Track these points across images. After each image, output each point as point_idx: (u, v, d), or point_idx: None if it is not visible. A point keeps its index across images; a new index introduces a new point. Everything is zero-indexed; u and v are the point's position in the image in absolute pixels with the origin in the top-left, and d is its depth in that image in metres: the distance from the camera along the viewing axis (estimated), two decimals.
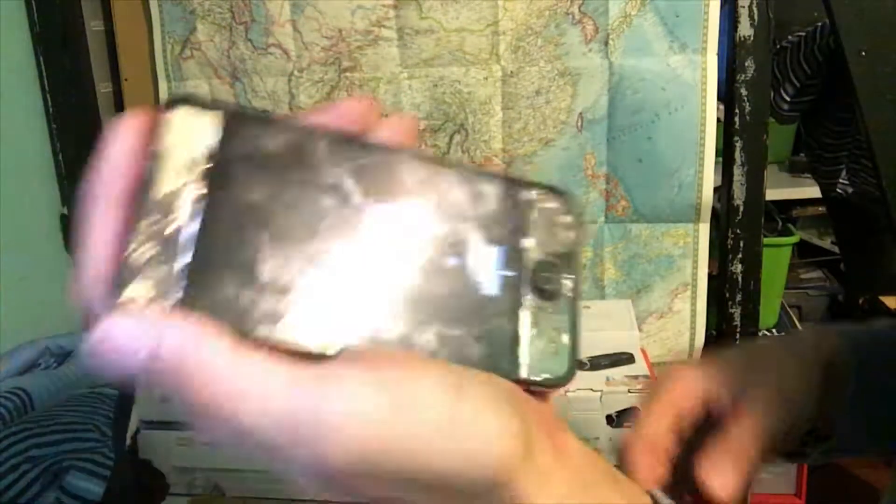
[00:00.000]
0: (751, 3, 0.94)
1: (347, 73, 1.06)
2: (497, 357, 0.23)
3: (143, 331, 0.20)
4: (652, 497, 0.28)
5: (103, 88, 1.15)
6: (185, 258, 0.20)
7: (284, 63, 1.07)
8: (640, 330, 1.11)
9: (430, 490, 0.21)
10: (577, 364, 0.24)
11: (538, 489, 0.22)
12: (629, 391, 0.76)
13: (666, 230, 1.06)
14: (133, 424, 0.83)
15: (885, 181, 1.05)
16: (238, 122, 0.22)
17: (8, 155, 1.02)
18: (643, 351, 0.84)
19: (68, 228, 1.12)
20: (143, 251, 0.20)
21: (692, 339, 1.14)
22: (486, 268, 0.23)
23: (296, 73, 1.07)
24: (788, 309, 1.51)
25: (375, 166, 0.23)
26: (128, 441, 0.81)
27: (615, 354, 0.82)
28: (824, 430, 0.45)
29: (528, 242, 0.24)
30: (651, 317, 1.12)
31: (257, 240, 0.21)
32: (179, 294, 0.20)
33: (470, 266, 0.23)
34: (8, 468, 0.73)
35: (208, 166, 0.21)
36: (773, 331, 1.41)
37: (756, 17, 0.95)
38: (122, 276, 0.20)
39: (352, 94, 1.07)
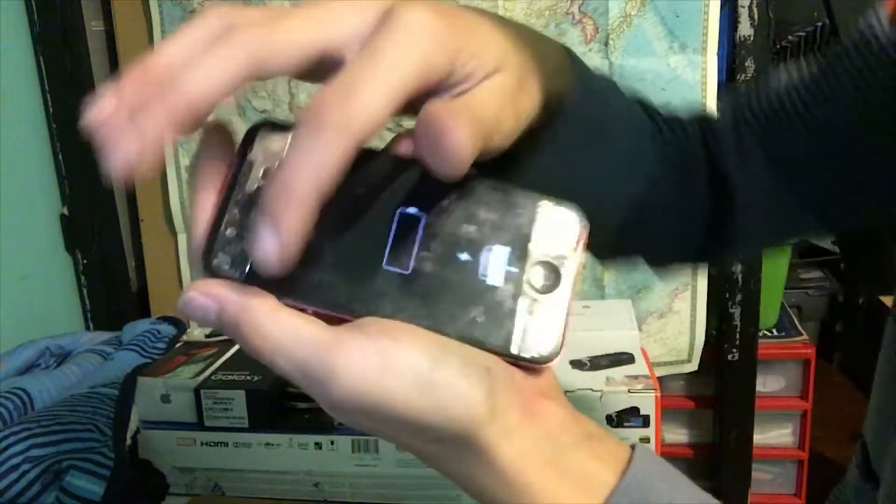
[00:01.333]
0: (751, 3, 0.94)
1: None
2: (494, 335, 0.28)
3: (214, 297, 0.28)
4: (630, 454, 0.29)
5: None
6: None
7: None
8: (640, 330, 1.11)
9: (410, 433, 0.27)
10: (561, 346, 0.29)
11: (500, 441, 0.27)
12: (629, 391, 0.76)
13: None
14: (133, 424, 0.83)
15: None
16: None
17: (8, 155, 1.02)
18: (643, 351, 0.84)
19: (68, 228, 1.12)
20: (227, 234, 0.28)
21: (692, 339, 1.14)
22: (496, 263, 0.29)
23: None
24: (788, 309, 1.51)
25: (410, 177, 0.29)
26: (128, 441, 0.81)
27: (615, 354, 0.82)
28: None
29: (535, 247, 0.29)
30: (651, 317, 1.12)
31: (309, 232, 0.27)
32: (247, 269, 0.28)
33: (482, 261, 0.29)
34: (8, 468, 0.73)
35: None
36: (773, 331, 1.41)
37: (756, 17, 0.95)
38: (210, 249, 0.28)
39: None
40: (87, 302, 1.14)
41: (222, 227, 0.28)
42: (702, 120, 0.50)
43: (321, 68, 0.26)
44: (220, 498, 0.82)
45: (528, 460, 0.28)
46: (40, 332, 1.01)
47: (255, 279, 0.27)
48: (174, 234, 1.17)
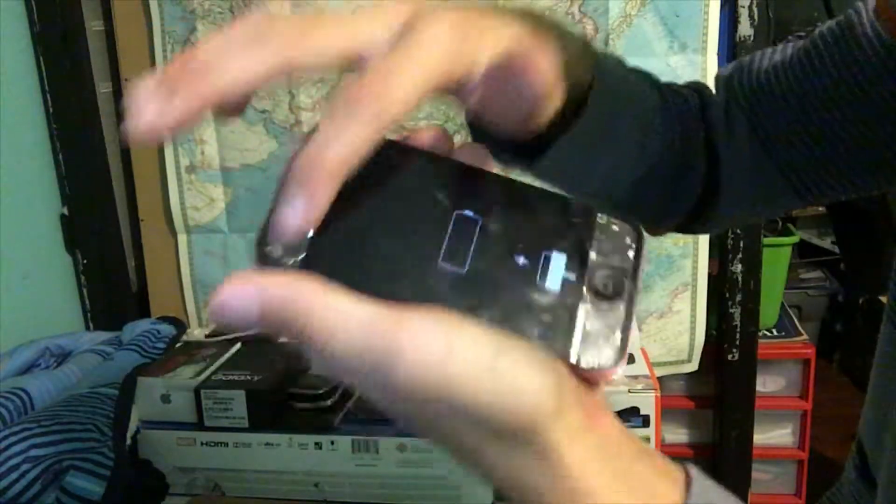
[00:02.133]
0: (751, 3, 0.94)
1: (347, 73, 1.06)
2: (553, 341, 0.27)
3: (255, 284, 0.26)
4: (685, 472, 0.29)
5: (103, 88, 1.15)
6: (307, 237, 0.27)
7: None
8: (640, 330, 1.11)
9: (471, 425, 0.26)
10: (622, 357, 0.28)
11: (567, 443, 0.26)
12: (629, 391, 0.76)
13: None
14: (133, 424, 0.83)
15: None
16: None
17: (8, 155, 1.02)
18: (643, 351, 0.84)
19: (68, 228, 1.12)
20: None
21: (692, 339, 1.14)
22: (554, 269, 0.29)
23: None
24: (788, 309, 1.51)
25: (467, 180, 0.30)
26: (128, 441, 0.81)
27: None
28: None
29: (594, 255, 0.29)
30: (651, 317, 1.12)
31: (357, 230, 0.28)
32: (300, 257, 0.27)
33: (540, 266, 0.29)
34: (8, 468, 0.73)
35: None
36: (773, 331, 1.41)
37: (756, 17, 0.95)
38: (264, 239, 0.27)
39: None
40: (87, 302, 1.14)
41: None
42: (699, 92, 0.53)
43: (346, 70, 0.29)
44: (220, 498, 0.82)
45: (595, 466, 0.27)
46: (40, 332, 1.01)
47: (309, 268, 0.27)
48: (174, 234, 1.17)
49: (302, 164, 0.26)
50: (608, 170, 0.46)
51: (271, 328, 0.26)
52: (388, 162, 0.29)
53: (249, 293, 0.26)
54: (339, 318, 0.25)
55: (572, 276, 0.29)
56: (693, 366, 1.16)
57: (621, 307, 0.29)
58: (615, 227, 0.30)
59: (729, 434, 1.19)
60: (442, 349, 0.25)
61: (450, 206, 0.29)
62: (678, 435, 1.31)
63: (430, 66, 0.27)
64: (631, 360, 0.82)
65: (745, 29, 0.96)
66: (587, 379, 0.28)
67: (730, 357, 1.13)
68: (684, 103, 0.52)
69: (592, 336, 0.28)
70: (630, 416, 0.76)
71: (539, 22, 0.33)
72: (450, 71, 0.28)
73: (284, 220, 0.26)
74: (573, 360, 0.28)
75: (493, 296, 0.28)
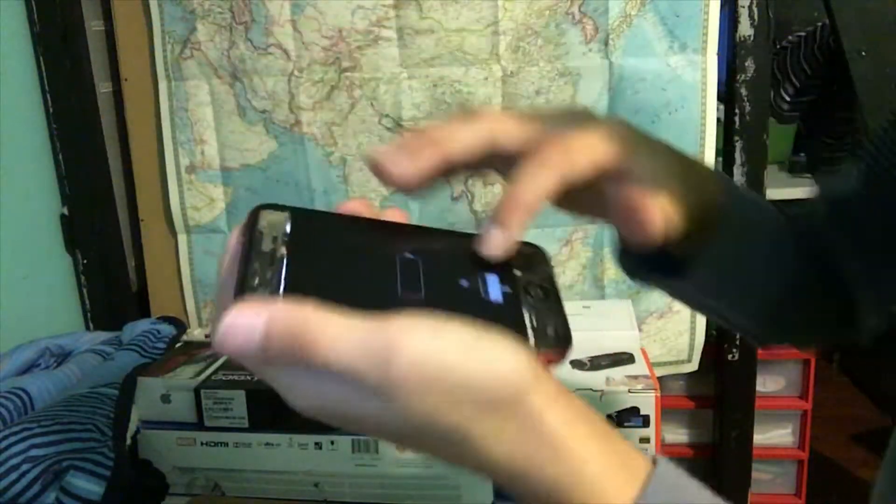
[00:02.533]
0: (751, 3, 0.94)
1: (347, 73, 1.06)
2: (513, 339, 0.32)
3: (260, 309, 0.29)
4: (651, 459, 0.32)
5: (103, 88, 1.15)
6: (277, 281, 0.31)
7: (284, 63, 1.07)
8: (640, 330, 1.11)
9: (465, 403, 0.29)
10: (570, 342, 0.34)
11: (547, 407, 0.30)
12: (629, 391, 0.76)
13: None
14: (133, 424, 0.83)
15: None
16: (299, 214, 0.35)
17: (8, 155, 1.02)
18: (643, 351, 0.84)
19: (68, 228, 1.12)
20: (254, 283, 0.31)
21: (692, 339, 1.14)
22: (493, 286, 0.35)
23: (296, 73, 1.07)
24: None
25: (396, 233, 0.37)
26: (128, 441, 0.81)
27: (615, 354, 0.82)
28: (686, 251, 0.45)
29: (517, 271, 0.37)
30: (651, 317, 1.12)
31: (323, 276, 0.33)
32: (277, 296, 0.31)
33: (480, 286, 0.35)
34: (8, 468, 0.73)
35: (285, 238, 0.34)
36: None
37: (756, 17, 0.95)
38: (242, 291, 0.30)
39: (352, 95, 1.07)
40: (87, 302, 1.14)
41: (249, 278, 0.31)
42: (810, 214, 0.55)
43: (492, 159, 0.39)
44: (220, 498, 0.82)
45: (574, 429, 0.30)
46: (40, 332, 1.01)
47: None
48: (174, 234, 1.17)
49: (502, 205, 0.35)
50: (743, 289, 0.50)
51: (273, 349, 0.29)
52: (333, 227, 0.36)
53: (254, 314, 0.29)
54: (339, 327, 0.29)
55: (508, 289, 0.35)
56: (693, 366, 1.16)
57: (554, 304, 0.36)
58: (524, 248, 0.38)
59: (729, 434, 1.19)
60: (429, 334, 0.29)
61: (392, 253, 0.35)
62: (678, 435, 1.31)
63: (597, 154, 0.38)
64: (631, 360, 0.82)
65: (745, 29, 0.96)
66: (545, 364, 0.33)
67: (730, 357, 1.14)
68: (807, 226, 0.53)
69: (540, 330, 0.34)
70: (630, 416, 0.76)
71: (668, 155, 0.42)
72: (599, 168, 0.38)
73: (491, 244, 0.36)
74: (531, 345, 0.33)
75: (452, 312, 0.31)
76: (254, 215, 0.34)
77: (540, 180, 0.36)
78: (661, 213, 0.39)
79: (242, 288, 0.31)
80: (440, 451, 0.30)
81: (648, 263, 0.47)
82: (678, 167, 0.42)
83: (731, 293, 0.51)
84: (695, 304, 0.54)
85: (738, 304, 0.52)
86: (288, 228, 0.34)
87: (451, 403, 0.28)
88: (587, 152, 0.37)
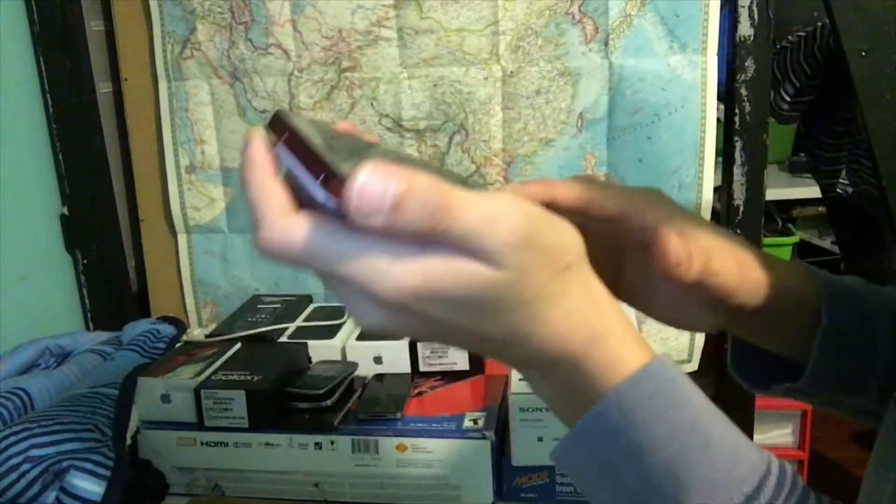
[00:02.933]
0: (751, 3, 0.94)
1: (347, 73, 1.06)
2: None
3: (395, 171, 0.29)
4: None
5: (103, 88, 1.15)
6: (359, 158, 0.31)
7: (284, 63, 1.07)
8: (640, 330, 1.11)
9: (548, 262, 0.33)
10: None
11: (594, 277, 0.36)
12: None
13: None
14: (133, 424, 0.83)
15: (885, 181, 1.05)
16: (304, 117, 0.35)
17: (8, 155, 1.02)
18: None
19: (68, 228, 1.12)
20: (336, 156, 0.30)
21: (692, 339, 1.14)
22: None
23: (296, 73, 1.07)
24: None
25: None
26: (128, 441, 0.81)
27: None
28: (795, 356, 0.47)
29: None
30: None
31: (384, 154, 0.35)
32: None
33: None
34: (8, 468, 0.73)
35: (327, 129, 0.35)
36: None
37: (756, 17, 0.95)
38: (327, 165, 0.30)
39: (352, 95, 1.07)
40: (87, 302, 1.14)
41: (334, 156, 0.30)
42: None
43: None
44: (220, 498, 0.82)
45: (609, 296, 0.36)
46: (40, 332, 1.01)
47: None
48: (174, 234, 1.17)
49: None
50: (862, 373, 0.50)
51: (406, 213, 0.29)
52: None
53: (388, 178, 0.29)
54: (465, 197, 0.30)
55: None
56: (693, 366, 1.16)
57: None
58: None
59: None
60: (528, 210, 0.32)
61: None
62: None
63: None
64: None
65: (745, 29, 0.96)
66: None
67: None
68: None
69: None
70: None
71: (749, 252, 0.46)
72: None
73: None
74: None
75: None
76: (278, 119, 0.33)
77: None
78: (678, 244, 0.42)
79: (329, 168, 0.30)
80: (520, 317, 0.33)
81: (767, 371, 0.50)
82: (727, 237, 0.46)
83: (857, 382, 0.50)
84: (842, 409, 0.53)
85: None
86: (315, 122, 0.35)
87: (545, 266, 0.32)
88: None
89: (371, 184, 0.28)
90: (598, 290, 0.36)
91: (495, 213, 0.30)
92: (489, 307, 0.32)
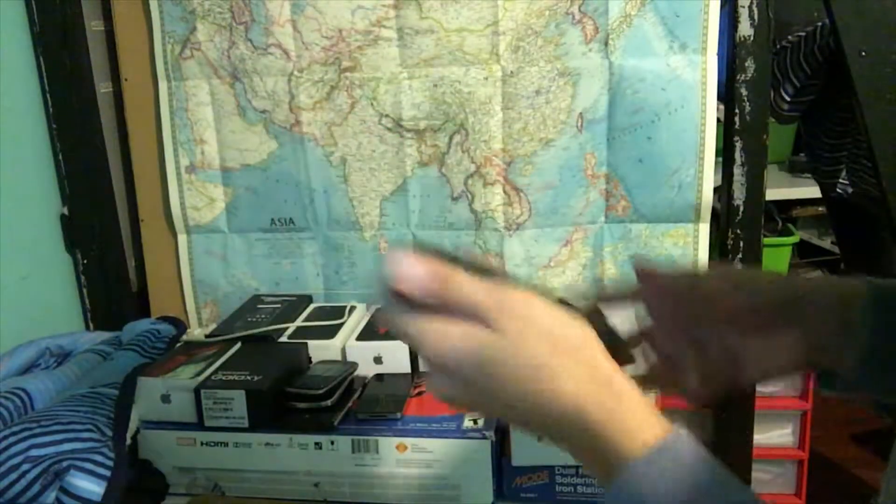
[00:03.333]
0: (751, 3, 0.94)
1: (347, 73, 1.06)
2: None
3: (422, 261, 0.41)
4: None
5: (103, 88, 1.15)
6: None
7: (284, 63, 1.07)
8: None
9: (549, 343, 0.41)
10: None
11: (603, 358, 0.42)
12: None
13: (666, 230, 1.06)
14: (133, 424, 0.83)
15: (885, 181, 1.05)
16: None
17: (8, 155, 1.02)
18: None
19: (68, 228, 1.12)
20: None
21: None
22: None
23: (296, 73, 1.07)
24: None
25: None
26: (128, 441, 0.81)
27: None
28: (834, 365, 0.52)
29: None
30: None
31: None
32: None
33: None
34: (8, 468, 0.73)
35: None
36: None
37: (756, 17, 0.95)
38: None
39: (352, 95, 1.07)
40: (87, 302, 1.14)
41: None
42: None
43: None
44: (220, 498, 0.82)
45: (621, 375, 0.42)
46: (40, 332, 1.01)
47: None
48: (174, 234, 1.17)
49: None
50: None
51: (426, 287, 0.40)
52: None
53: (417, 264, 0.40)
54: (469, 279, 0.40)
55: None
56: None
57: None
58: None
59: (729, 434, 1.19)
60: (530, 297, 0.41)
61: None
62: None
63: None
64: (631, 360, 0.82)
65: (745, 29, 0.95)
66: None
67: None
68: None
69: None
70: None
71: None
72: None
73: None
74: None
75: None
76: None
77: None
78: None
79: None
80: (527, 382, 0.39)
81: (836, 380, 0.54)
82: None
83: None
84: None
85: None
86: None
87: (541, 339, 0.40)
88: None
89: (407, 275, 0.40)
90: (608, 369, 0.41)
91: (501, 292, 0.40)
92: (500, 364, 0.39)
